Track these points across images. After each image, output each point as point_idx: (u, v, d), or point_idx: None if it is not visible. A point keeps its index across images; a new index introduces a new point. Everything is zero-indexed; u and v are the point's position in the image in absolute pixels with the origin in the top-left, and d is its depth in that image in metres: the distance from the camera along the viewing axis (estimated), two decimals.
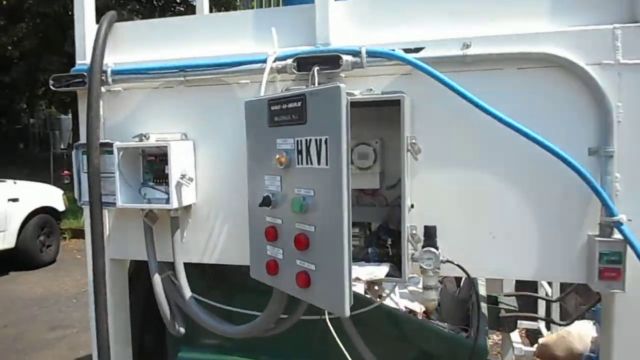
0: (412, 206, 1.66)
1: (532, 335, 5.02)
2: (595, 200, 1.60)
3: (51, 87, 2.06)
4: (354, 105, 1.70)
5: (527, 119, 1.62)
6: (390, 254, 1.67)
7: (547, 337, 4.43)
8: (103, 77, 1.98)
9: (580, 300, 4.40)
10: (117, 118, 2.08)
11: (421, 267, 1.66)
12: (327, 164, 1.29)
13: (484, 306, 2.61)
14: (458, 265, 1.70)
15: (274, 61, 1.81)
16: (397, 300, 2.84)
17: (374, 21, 1.83)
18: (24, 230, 7.90)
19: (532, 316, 3.68)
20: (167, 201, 1.92)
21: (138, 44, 2.06)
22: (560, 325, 3.50)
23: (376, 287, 1.64)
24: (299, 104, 1.37)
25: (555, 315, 4.59)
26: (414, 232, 1.59)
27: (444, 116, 1.72)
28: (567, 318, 4.42)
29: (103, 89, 2.05)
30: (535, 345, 4.39)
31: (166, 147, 1.83)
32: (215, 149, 1.97)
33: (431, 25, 1.76)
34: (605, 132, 1.59)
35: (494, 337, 4.84)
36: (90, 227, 1.93)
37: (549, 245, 1.67)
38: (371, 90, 1.64)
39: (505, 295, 3.48)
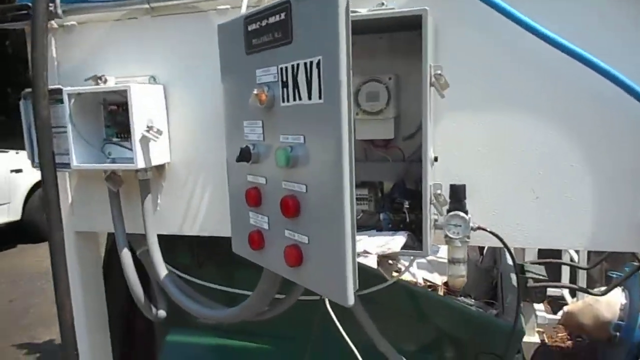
0: (435, 159, 1.29)
1: (555, 303, 4.72)
2: None
3: None
4: (360, 30, 1.31)
5: (582, 46, 1.22)
6: (408, 220, 1.32)
7: (572, 305, 4.11)
8: (51, 8, 1.61)
9: (607, 266, 4.07)
10: (73, 60, 1.71)
11: (446, 235, 1.31)
12: (320, 98, 0.92)
13: (513, 278, 2.26)
14: (493, 234, 1.34)
15: None
16: (414, 271, 2.51)
17: None
18: (29, 202, 7.60)
19: (564, 286, 3.35)
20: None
21: None
22: (594, 295, 3.15)
23: (390, 262, 1.30)
24: (283, 16, 0.99)
25: (582, 282, 4.27)
26: (438, 191, 1.23)
27: (477, 44, 1.33)
28: (593, 285, 4.09)
29: (54, 24, 1.68)
30: (560, 313, 4.09)
31: (126, 91, 1.46)
32: (191, 94, 1.60)
33: None
34: None
35: None
36: (44, 195, 1.59)
37: (607, 208, 1.30)
38: (383, 4, 1.24)
39: (532, 263, 3.14)
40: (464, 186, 1.35)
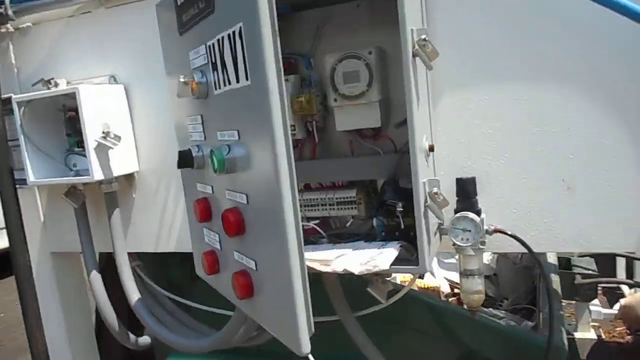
0: (431, 149, 1.03)
1: (612, 295, 4.28)
2: None
3: None
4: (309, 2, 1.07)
5: None
6: (403, 226, 1.06)
7: (630, 297, 3.69)
8: (1, 10, 1.45)
9: None
10: (32, 64, 1.54)
11: (454, 243, 1.05)
12: (247, 79, 0.69)
13: (555, 279, 1.95)
14: (514, 237, 1.07)
15: None
16: (436, 272, 2.22)
17: None
18: None
19: (618, 281, 2.98)
20: None
21: None
22: None
23: (382, 280, 1.05)
24: None
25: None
26: (434, 190, 0.97)
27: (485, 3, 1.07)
28: None
29: (9, 27, 1.52)
30: (616, 306, 3.68)
31: (74, 93, 1.27)
32: (155, 94, 1.40)
33: None
34: None
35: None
36: (5, 215, 1.44)
37: None
38: None
39: (580, 257, 2.79)
40: (473, 179, 1.08)
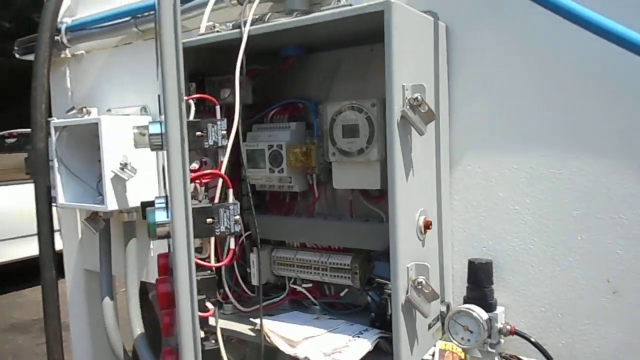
0: (428, 226, 0.86)
1: None
2: None
3: (16, 55, 1.67)
4: (349, 41, 0.96)
5: None
6: (390, 311, 0.89)
7: None
8: (58, 38, 1.53)
9: None
10: (84, 89, 1.61)
11: (455, 341, 0.87)
12: None
13: None
14: (536, 345, 0.86)
15: None
16: None
17: None
18: None
19: None
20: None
21: None
22: None
23: None
24: None
25: None
26: (420, 279, 0.80)
27: (513, 55, 0.88)
28: None
29: (67, 53, 1.60)
30: None
31: (96, 124, 1.29)
32: None
33: None
34: None
35: None
36: (38, 232, 1.49)
37: None
38: (339, 0, 0.86)
39: None
40: (489, 264, 0.89)
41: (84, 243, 1.67)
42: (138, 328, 1.39)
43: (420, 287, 0.78)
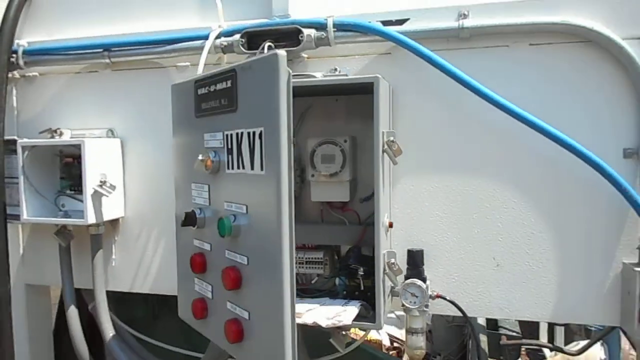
0: (390, 225, 1.26)
1: (534, 356, 4.61)
2: (634, 218, 1.21)
3: None
4: (317, 92, 1.31)
5: (542, 111, 1.23)
6: (363, 287, 1.27)
7: (551, 359, 4.03)
8: (13, 59, 1.59)
9: None
10: (33, 110, 1.68)
11: (403, 304, 1.27)
12: (262, 169, 0.89)
13: (483, 339, 2.20)
14: (452, 302, 1.30)
15: (219, 37, 1.41)
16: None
17: None
18: None
19: (539, 344, 3.27)
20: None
21: (60, 20, 1.65)
22: (570, 354, 3.09)
23: (343, 333, 1.24)
24: (229, 83, 0.97)
25: (560, 337, 4.19)
26: (392, 260, 1.19)
27: (434, 108, 1.33)
28: (571, 337, 4.01)
29: (16, 74, 1.65)
30: None
31: (80, 145, 1.42)
32: (148, 149, 1.57)
33: None
34: None
35: None
36: None
37: (570, 276, 1.28)
38: (336, 70, 1.24)
39: (505, 319, 3.09)
40: (421, 252, 1.31)
41: (25, 258, 1.71)
42: (110, 331, 1.53)
43: (392, 264, 1.17)
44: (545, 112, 1.23)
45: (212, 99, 1.04)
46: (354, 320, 1.16)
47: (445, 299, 1.30)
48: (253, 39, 1.38)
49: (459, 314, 1.31)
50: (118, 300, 1.77)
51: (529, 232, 1.29)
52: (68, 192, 1.59)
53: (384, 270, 1.17)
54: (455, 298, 1.32)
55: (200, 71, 1.36)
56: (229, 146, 0.99)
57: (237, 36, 1.39)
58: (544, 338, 3.88)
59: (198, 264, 1.11)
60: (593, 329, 3.72)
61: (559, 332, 4.26)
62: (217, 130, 1.03)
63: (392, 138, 1.15)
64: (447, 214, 1.34)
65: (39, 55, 1.59)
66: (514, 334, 2.92)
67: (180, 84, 1.20)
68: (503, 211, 1.31)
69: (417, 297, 1.25)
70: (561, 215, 1.27)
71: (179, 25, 1.52)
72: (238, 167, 0.96)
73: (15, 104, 1.68)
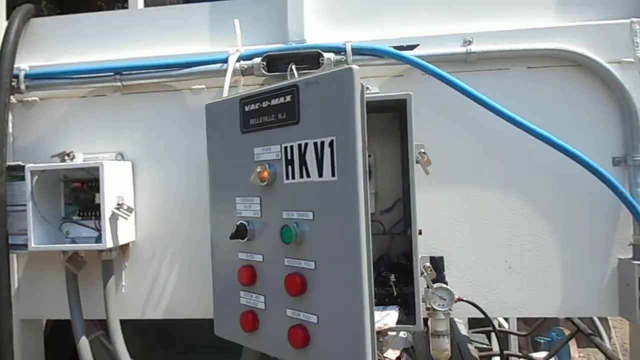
0: (420, 232, 1.34)
1: None
2: (624, 218, 1.38)
3: None
4: None
5: (540, 125, 1.37)
6: (395, 294, 1.33)
7: None
8: (13, 84, 1.54)
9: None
10: (30, 136, 1.62)
11: (431, 308, 1.34)
12: (333, 175, 0.95)
13: (471, 348, 2.30)
14: (474, 305, 1.39)
15: (237, 61, 1.46)
16: None
17: (352, 17, 1.54)
18: None
19: (508, 354, 3.43)
20: (98, 239, 1.48)
21: (61, 44, 1.63)
22: None
23: (380, 339, 1.29)
24: (288, 98, 1.03)
25: (514, 348, 4.41)
26: (427, 264, 1.27)
27: (446, 124, 1.45)
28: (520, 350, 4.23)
29: (13, 99, 1.60)
30: None
31: (98, 167, 1.40)
32: (160, 172, 1.56)
33: (424, 20, 1.51)
34: (632, 139, 1.37)
35: None
36: None
37: (574, 275, 1.41)
38: (368, 89, 1.32)
39: (474, 332, 3.22)
40: (442, 258, 1.40)
41: (20, 291, 1.62)
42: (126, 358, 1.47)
43: (427, 268, 1.25)
44: (543, 126, 1.37)
45: (264, 114, 1.09)
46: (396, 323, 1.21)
47: (467, 301, 1.39)
48: (272, 62, 1.44)
49: (480, 315, 1.40)
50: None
51: (537, 236, 1.42)
52: (75, 218, 1.54)
53: (421, 273, 1.24)
54: (472, 300, 1.41)
55: (225, 93, 1.40)
56: (289, 157, 1.03)
57: (257, 60, 1.45)
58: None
59: (248, 276, 1.13)
60: (541, 340, 3.97)
61: (513, 344, 4.48)
62: (272, 143, 1.07)
63: (422, 150, 1.25)
64: (461, 222, 1.44)
65: (42, 79, 1.56)
66: (485, 346, 3.06)
67: (219, 103, 1.24)
68: (512, 218, 1.43)
69: (445, 300, 1.33)
70: (564, 220, 1.41)
71: (188, 50, 1.56)
72: (301, 177, 1.01)
73: (11, 130, 1.62)
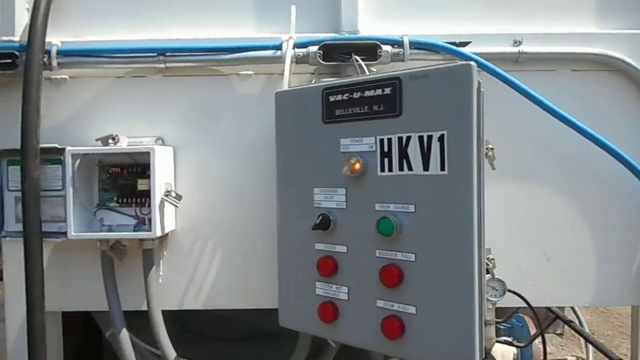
0: None
1: None
2: None
3: None
4: None
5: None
6: None
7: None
8: (45, 60, 1.44)
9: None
10: (58, 117, 1.52)
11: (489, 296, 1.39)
12: (443, 169, 0.96)
13: None
14: (518, 294, 1.45)
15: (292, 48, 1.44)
16: None
17: (403, 11, 1.54)
18: None
19: None
20: (137, 227, 1.42)
21: (93, 20, 1.53)
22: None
23: None
24: (388, 90, 1.03)
25: None
26: (490, 256, 1.31)
27: (491, 123, 1.48)
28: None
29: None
30: None
31: (148, 152, 1.34)
32: (203, 158, 1.51)
33: (474, 18, 1.54)
34: None
35: None
36: (26, 270, 1.35)
37: (607, 267, 1.50)
38: None
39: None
40: (489, 250, 1.45)
41: (46, 283, 1.52)
42: (172, 352, 1.42)
43: (492, 261, 1.30)
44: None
45: (355, 105, 1.08)
46: None
47: (515, 292, 1.45)
48: (328, 51, 1.43)
49: (523, 305, 1.46)
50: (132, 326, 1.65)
51: (573, 230, 1.50)
52: (112, 204, 1.46)
53: (486, 265, 1.29)
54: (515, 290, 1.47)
55: (285, 80, 1.37)
56: (385, 150, 1.04)
57: (312, 48, 1.43)
58: None
59: (328, 266, 1.12)
60: (502, 327, 4.19)
61: None
62: (364, 135, 1.07)
63: (490, 145, 1.28)
64: (503, 217, 1.50)
65: (76, 56, 1.47)
66: None
67: (292, 92, 1.22)
68: (552, 213, 1.50)
69: (497, 290, 1.38)
70: (600, 216, 1.50)
71: (233, 34, 1.51)
72: (400, 169, 1.02)
73: None
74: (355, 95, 1.08)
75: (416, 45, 1.44)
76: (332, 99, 1.12)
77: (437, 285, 0.98)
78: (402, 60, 1.44)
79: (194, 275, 1.52)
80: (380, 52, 1.42)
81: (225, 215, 1.51)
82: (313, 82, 1.41)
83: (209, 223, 1.52)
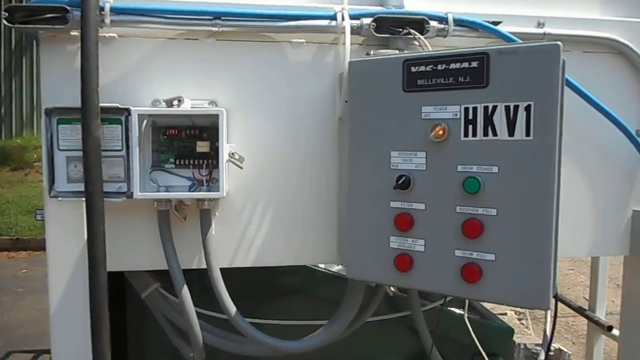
0: None
1: None
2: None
3: (4, 22, 1.38)
4: None
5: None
6: None
7: None
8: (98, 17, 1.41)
9: None
10: (107, 76, 1.49)
11: None
12: (528, 135, 1.11)
13: None
14: None
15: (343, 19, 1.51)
16: None
17: None
18: None
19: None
20: (192, 189, 1.47)
21: None
22: None
23: None
24: (475, 64, 1.16)
25: None
26: None
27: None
28: None
29: None
30: None
31: (217, 115, 1.38)
32: (254, 122, 1.57)
33: (500, 0, 1.69)
34: None
35: None
36: (88, 229, 1.35)
37: (602, 222, 1.76)
38: None
39: None
40: None
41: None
42: (233, 307, 1.50)
43: None
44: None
45: (439, 76, 1.20)
46: None
47: None
48: (381, 24, 1.52)
49: None
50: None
51: (575, 190, 1.73)
52: (167, 166, 1.49)
53: None
54: None
55: (347, 51, 1.45)
56: (469, 117, 1.17)
57: (365, 20, 1.51)
58: None
59: (406, 222, 1.25)
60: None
61: None
62: (449, 103, 1.19)
63: None
64: None
65: (130, 14, 1.44)
66: None
67: (368, 62, 1.31)
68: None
69: None
70: (600, 176, 1.73)
71: (282, 2, 1.56)
72: (485, 135, 1.16)
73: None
74: (440, 67, 1.20)
75: (459, 22, 1.57)
76: (413, 69, 1.23)
77: (517, 235, 1.14)
78: (445, 36, 1.56)
79: (244, 234, 1.59)
80: (427, 27, 1.53)
81: (276, 176, 1.58)
82: (371, 52, 1.50)
83: (259, 184, 1.58)
